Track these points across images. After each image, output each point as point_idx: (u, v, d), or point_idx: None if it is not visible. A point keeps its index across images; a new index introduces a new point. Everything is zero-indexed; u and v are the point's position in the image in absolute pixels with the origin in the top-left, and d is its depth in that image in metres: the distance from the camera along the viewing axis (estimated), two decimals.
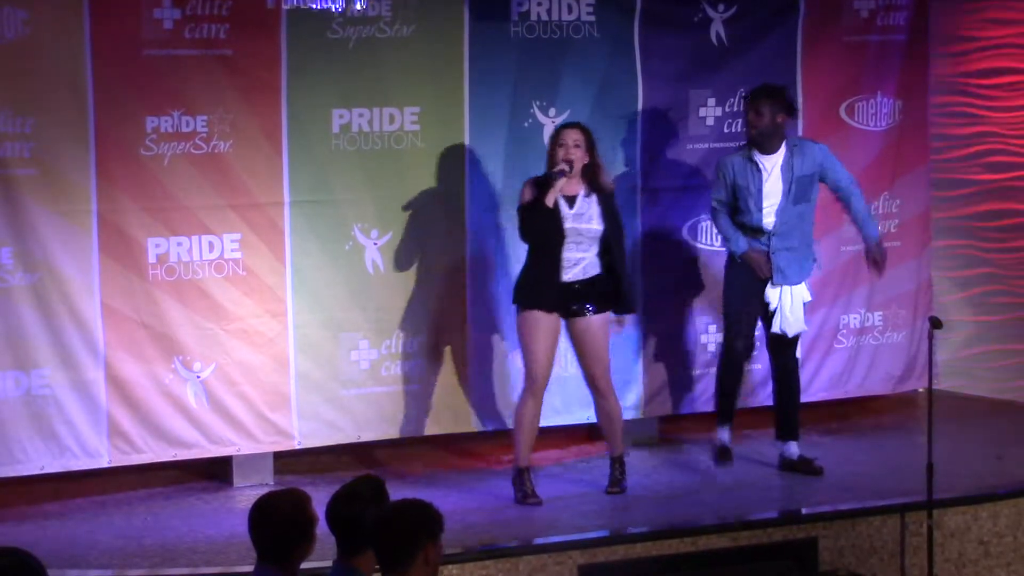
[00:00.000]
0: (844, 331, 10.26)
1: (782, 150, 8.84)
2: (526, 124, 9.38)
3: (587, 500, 8.60)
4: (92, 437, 8.48)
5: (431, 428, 9.21)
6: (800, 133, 10.00)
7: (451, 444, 9.42)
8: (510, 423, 9.34)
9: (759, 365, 9.85)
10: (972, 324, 10.92)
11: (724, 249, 9.35)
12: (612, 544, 7.80)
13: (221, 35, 8.62)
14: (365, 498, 5.33)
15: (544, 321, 8.39)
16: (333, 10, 8.63)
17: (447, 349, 9.18)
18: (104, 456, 8.53)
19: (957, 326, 10.76)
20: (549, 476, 9.03)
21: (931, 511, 7.99)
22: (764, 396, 9.95)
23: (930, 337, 8.20)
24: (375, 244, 9.06)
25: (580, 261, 8.41)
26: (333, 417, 9.00)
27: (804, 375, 10.11)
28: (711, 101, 9.75)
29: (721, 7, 9.75)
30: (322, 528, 5.29)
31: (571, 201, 8.40)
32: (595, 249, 8.43)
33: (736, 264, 8.92)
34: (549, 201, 8.32)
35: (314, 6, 8.73)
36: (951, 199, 10.85)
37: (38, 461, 8.40)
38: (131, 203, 8.51)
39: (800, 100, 10.00)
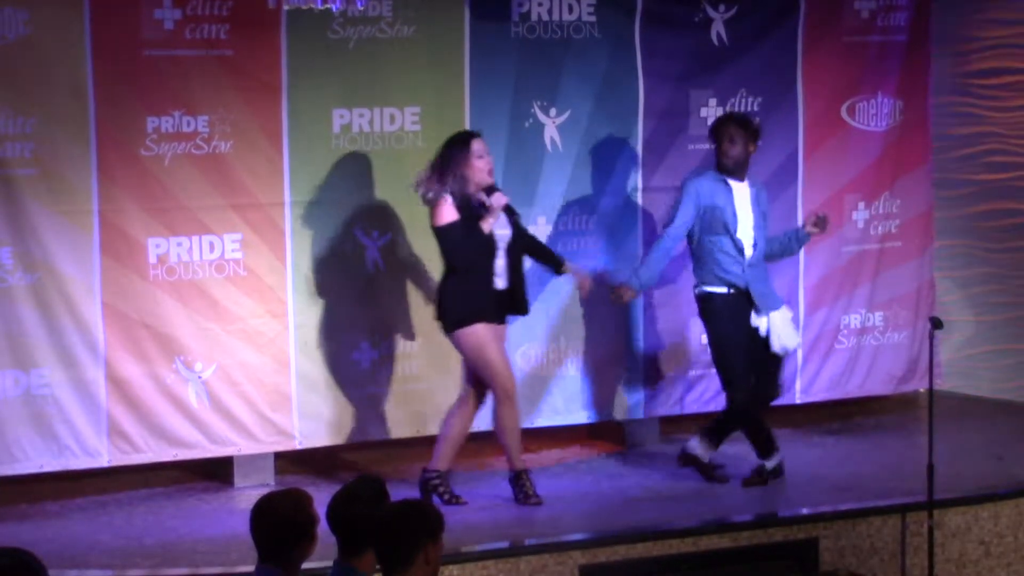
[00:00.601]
0: (845, 331, 10.25)
1: (746, 184, 8.77)
2: (527, 124, 9.38)
3: (588, 500, 8.60)
4: (92, 436, 8.48)
5: (431, 428, 9.20)
6: (801, 133, 10.02)
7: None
8: None
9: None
10: (973, 324, 10.92)
11: None
12: (613, 544, 7.79)
13: (222, 35, 8.62)
14: (365, 498, 5.33)
15: (485, 330, 8.26)
16: (333, 10, 8.62)
17: (448, 350, 9.17)
18: (104, 456, 8.53)
19: (958, 326, 10.77)
20: (550, 476, 9.03)
21: (932, 511, 7.99)
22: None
23: (931, 337, 8.20)
24: (376, 244, 9.06)
25: (505, 268, 8.32)
26: (334, 417, 9.00)
27: (805, 376, 10.14)
28: (712, 101, 9.75)
29: (722, 7, 9.75)
30: (323, 528, 5.29)
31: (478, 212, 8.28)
32: (506, 256, 8.34)
33: (717, 305, 8.68)
34: (487, 228, 8.19)
35: (316, 6, 8.72)
36: (952, 199, 10.85)
37: (37, 460, 8.40)
38: (132, 203, 8.51)
39: (801, 100, 10.01)
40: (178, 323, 8.62)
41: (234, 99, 8.67)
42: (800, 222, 9.81)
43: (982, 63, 10.80)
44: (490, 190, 8.26)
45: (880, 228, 10.28)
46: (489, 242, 8.25)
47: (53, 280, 8.36)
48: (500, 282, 8.31)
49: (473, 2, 9.18)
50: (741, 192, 8.72)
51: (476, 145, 8.25)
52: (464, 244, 8.20)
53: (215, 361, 8.72)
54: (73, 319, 8.40)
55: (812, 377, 10.16)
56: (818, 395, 10.22)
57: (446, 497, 8.35)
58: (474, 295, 8.25)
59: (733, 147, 8.68)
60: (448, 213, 8.21)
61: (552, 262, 8.64)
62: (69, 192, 8.38)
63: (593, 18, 9.47)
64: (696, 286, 8.77)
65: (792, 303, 10.05)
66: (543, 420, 9.52)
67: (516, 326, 9.30)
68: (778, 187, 9.93)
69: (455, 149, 8.25)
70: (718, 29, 9.77)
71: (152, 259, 8.58)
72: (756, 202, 8.75)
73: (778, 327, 8.73)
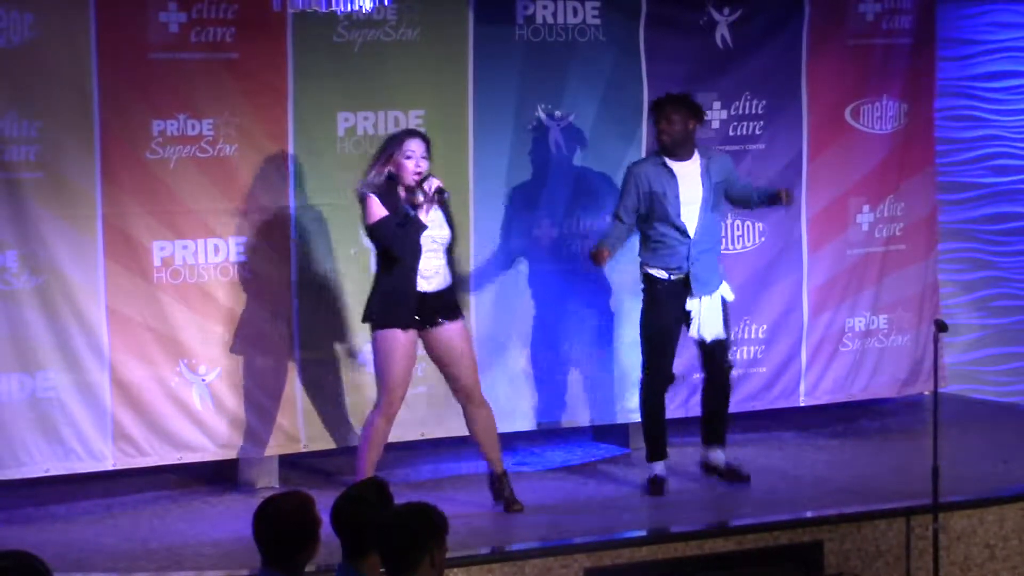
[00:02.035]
0: (849, 334, 10.25)
1: (696, 157, 8.72)
2: (530, 127, 9.39)
3: (592, 503, 8.60)
4: (97, 439, 8.48)
5: (436, 431, 9.21)
6: (805, 136, 10.02)
7: (456, 447, 9.41)
8: (514, 425, 9.35)
9: (763, 368, 9.88)
10: (977, 327, 10.92)
11: (727, 252, 9.38)
12: (617, 547, 7.79)
13: (227, 38, 8.63)
14: (370, 501, 5.33)
15: (403, 338, 8.10)
16: (338, 13, 8.63)
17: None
18: (109, 459, 8.53)
19: (962, 329, 10.76)
20: (554, 479, 9.04)
21: (937, 514, 7.98)
22: (766, 400, 9.97)
23: (936, 340, 8.19)
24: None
25: (440, 270, 8.17)
26: (339, 420, 9.00)
27: (809, 379, 10.13)
28: (716, 104, 9.75)
29: (726, 10, 9.76)
30: (327, 531, 5.29)
31: (411, 207, 8.14)
32: (446, 257, 8.23)
33: (656, 288, 8.68)
34: (424, 216, 8.02)
35: (320, 9, 8.73)
36: (956, 202, 10.85)
37: (43, 463, 8.41)
38: (136, 206, 8.52)
39: (805, 103, 10.00)
40: (182, 326, 8.63)
41: (239, 102, 8.68)
42: (803, 234, 9.84)
43: (987, 66, 10.81)
44: (424, 179, 8.12)
45: (884, 231, 10.28)
46: (415, 242, 8.06)
47: (58, 283, 8.37)
48: (430, 284, 8.15)
49: (477, 5, 9.19)
50: (686, 171, 8.67)
51: (410, 144, 8.12)
52: (396, 240, 8.04)
53: (219, 364, 8.72)
54: (78, 322, 8.41)
55: (816, 380, 10.16)
56: (822, 398, 10.21)
57: (498, 499, 8.34)
58: (396, 297, 8.09)
59: (672, 126, 8.64)
60: (377, 209, 8.07)
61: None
62: (74, 195, 8.38)
63: (597, 21, 9.47)
64: (641, 264, 8.76)
65: (797, 306, 10.06)
66: (547, 423, 9.52)
67: (519, 328, 9.32)
68: None
69: (390, 145, 8.16)
70: (722, 32, 9.78)
71: (157, 262, 8.59)
72: (706, 173, 8.70)
73: (704, 314, 8.69)
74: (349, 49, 8.92)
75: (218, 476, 8.96)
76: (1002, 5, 10.78)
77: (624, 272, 9.46)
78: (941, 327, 8.17)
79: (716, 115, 9.76)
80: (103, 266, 8.46)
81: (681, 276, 8.64)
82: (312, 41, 8.81)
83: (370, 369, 9.02)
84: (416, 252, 8.07)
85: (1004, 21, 10.76)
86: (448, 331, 8.22)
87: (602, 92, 9.51)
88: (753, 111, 9.86)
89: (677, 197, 8.61)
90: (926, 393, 10.43)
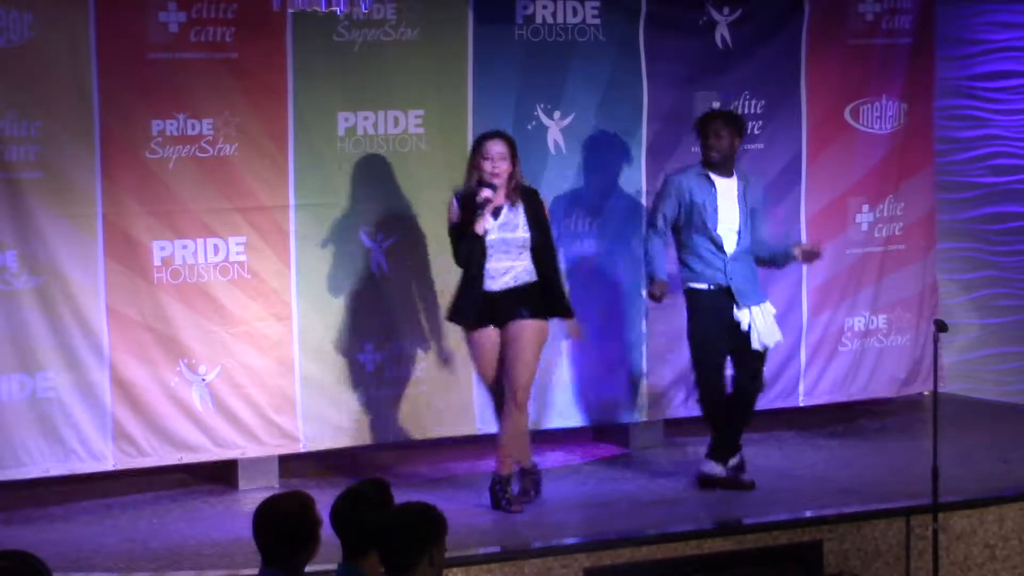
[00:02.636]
0: (849, 334, 10.25)
1: (734, 178, 8.74)
2: (530, 127, 9.39)
3: (592, 503, 8.60)
4: (97, 440, 8.48)
5: (436, 430, 9.21)
6: (805, 136, 10.02)
7: (456, 446, 9.42)
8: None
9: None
10: (977, 327, 10.92)
11: None
12: (618, 547, 7.79)
13: (227, 38, 8.63)
14: (369, 499, 5.34)
15: (475, 335, 8.33)
16: (338, 13, 8.63)
17: (452, 352, 9.17)
18: (109, 459, 8.53)
19: (962, 329, 10.76)
20: (555, 479, 9.03)
21: (936, 514, 7.99)
22: (766, 400, 9.97)
23: (935, 340, 8.19)
24: (380, 247, 9.06)
25: (510, 270, 8.26)
26: (338, 420, 9.00)
27: (809, 379, 10.13)
28: (716, 104, 9.73)
29: (726, 10, 9.76)
30: (328, 531, 5.29)
31: (495, 212, 8.24)
32: (527, 257, 8.28)
33: (698, 298, 8.68)
34: (479, 229, 8.18)
35: (320, 9, 8.73)
36: (956, 202, 10.85)
37: (43, 463, 8.41)
38: (136, 206, 8.52)
39: (805, 103, 10.01)
40: (182, 326, 8.63)
41: (239, 102, 8.68)
42: (803, 234, 9.84)
43: (986, 66, 10.81)
44: (487, 187, 8.23)
45: (884, 231, 10.28)
46: (481, 244, 8.21)
47: (58, 283, 8.37)
48: (497, 283, 8.26)
49: (477, 5, 9.19)
50: (725, 187, 8.70)
51: (488, 145, 8.25)
52: (458, 246, 8.23)
53: (219, 364, 8.73)
54: (78, 322, 8.41)
55: (816, 380, 10.16)
56: (822, 398, 10.21)
57: (503, 504, 8.34)
58: (465, 296, 8.29)
59: (720, 141, 8.67)
60: (452, 214, 8.28)
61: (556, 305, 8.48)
62: (74, 195, 8.38)
63: (597, 21, 9.47)
64: (683, 280, 8.78)
65: (796, 306, 10.07)
66: (548, 423, 9.52)
67: None
68: (782, 190, 9.93)
69: (474, 147, 8.35)
70: (722, 32, 9.78)
71: (156, 262, 8.59)
72: (743, 197, 8.73)
73: (759, 323, 8.71)
74: (349, 49, 8.92)
75: (218, 476, 8.96)
76: (1002, 5, 10.78)
77: (625, 273, 9.46)
78: (940, 327, 8.17)
79: None
80: (103, 266, 8.46)
81: (720, 287, 8.65)
82: (312, 41, 8.81)
83: (368, 368, 9.06)
84: (480, 255, 8.20)
85: (1004, 21, 10.77)
86: (513, 329, 8.30)
87: (602, 92, 9.51)
88: (753, 111, 9.86)
89: (716, 211, 8.64)
90: (925, 393, 10.44)
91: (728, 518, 8.25)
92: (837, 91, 10.10)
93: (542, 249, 8.34)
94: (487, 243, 8.21)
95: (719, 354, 8.70)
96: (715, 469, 8.79)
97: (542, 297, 8.33)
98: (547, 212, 8.50)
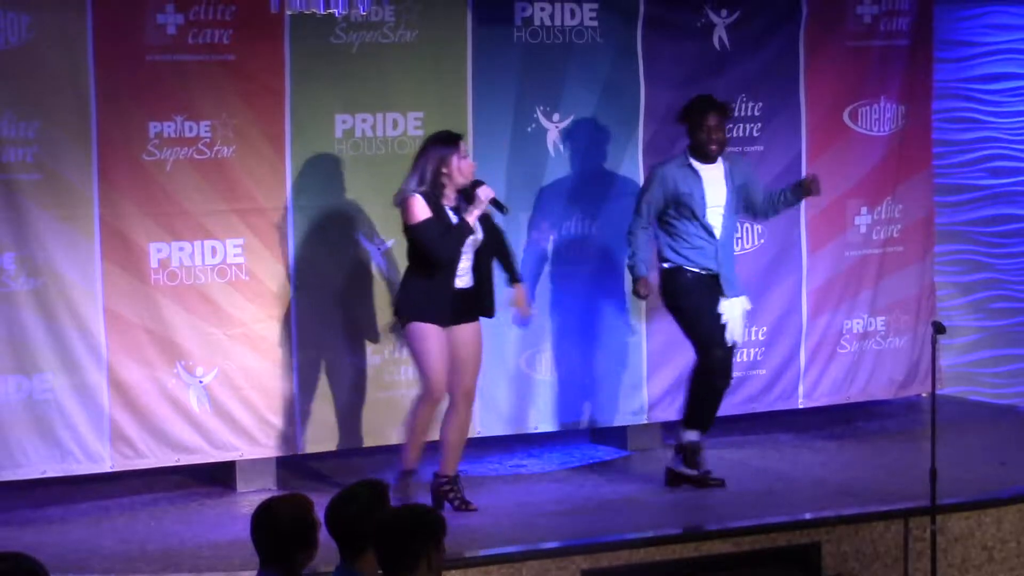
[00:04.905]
0: (847, 336, 10.24)
1: (719, 162, 8.73)
2: (529, 129, 9.39)
3: (590, 504, 8.59)
4: (94, 441, 8.48)
5: (433, 433, 9.19)
6: (803, 138, 10.02)
7: None
8: (513, 428, 9.36)
9: (763, 371, 9.91)
10: (975, 329, 10.92)
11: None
12: (615, 549, 7.79)
13: (224, 40, 8.63)
14: (364, 500, 5.33)
15: (437, 332, 8.18)
16: (336, 15, 8.63)
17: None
18: (106, 460, 8.53)
19: (960, 331, 10.77)
20: (552, 480, 9.03)
21: (935, 516, 7.99)
22: (765, 402, 9.96)
23: (933, 342, 8.19)
24: (379, 249, 9.06)
25: (467, 269, 8.26)
26: (336, 422, 9.00)
27: (807, 381, 10.13)
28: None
29: (724, 12, 9.76)
30: (326, 533, 5.29)
31: (456, 211, 8.23)
32: (472, 258, 8.29)
33: (688, 279, 8.67)
34: (472, 220, 8.14)
35: (318, 11, 8.73)
36: (954, 204, 10.85)
37: (40, 465, 8.40)
38: (134, 208, 8.51)
39: (803, 105, 10.01)
40: (180, 328, 8.62)
41: (237, 104, 8.68)
42: (802, 237, 9.85)
43: (984, 68, 10.81)
44: (475, 184, 8.21)
45: (882, 233, 10.28)
46: (460, 245, 8.18)
47: (56, 285, 8.37)
48: (461, 282, 8.24)
49: (476, 7, 9.19)
50: (712, 174, 8.69)
51: (462, 146, 8.21)
52: (442, 241, 8.14)
53: (216, 366, 8.72)
54: (75, 324, 8.40)
55: (815, 382, 10.16)
56: (820, 400, 10.21)
57: (456, 503, 8.32)
58: (433, 294, 8.19)
59: (720, 133, 8.66)
60: (422, 210, 8.15)
61: (509, 272, 8.57)
62: (71, 197, 8.38)
63: (595, 23, 9.47)
64: (664, 262, 8.74)
65: (795, 308, 10.07)
66: (545, 425, 9.52)
67: (518, 330, 9.31)
68: None
69: (437, 148, 8.20)
70: (720, 34, 9.78)
71: (154, 264, 8.58)
72: (729, 177, 8.72)
73: (735, 317, 8.71)
74: (347, 51, 8.92)
75: (215, 478, 8.95)
76: (1000, 7, 10.79)
77: (623, 274, 9.45)
78: (939, 329, 8.17)
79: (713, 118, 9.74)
80: (100, 268, 8.46)
81: (710, 272, 8.65)
82: (310, 43, 8.80)
83: (367, 371, 9.05)
84: (459, 254, 8.16)
85: (1002, 23, 10.77)
86: (466, 332, 8.29)
87: (600, 94, 9.51)
88: (751, 113, 9.86)
89: (703, 198, 8.63)
90: (924, 395, 10.44)
91: (726, 520, 8.23)
92: (835, 93, 10.10)
93: (486, 249, 8.33)
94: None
95: (714, 318, 8.65)
96: (693, 436, 8.72)
97: (477, 297, 8.32)
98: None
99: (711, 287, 8.68)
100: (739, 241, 9.85)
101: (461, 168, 8.18)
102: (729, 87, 9.77)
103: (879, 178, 10.24)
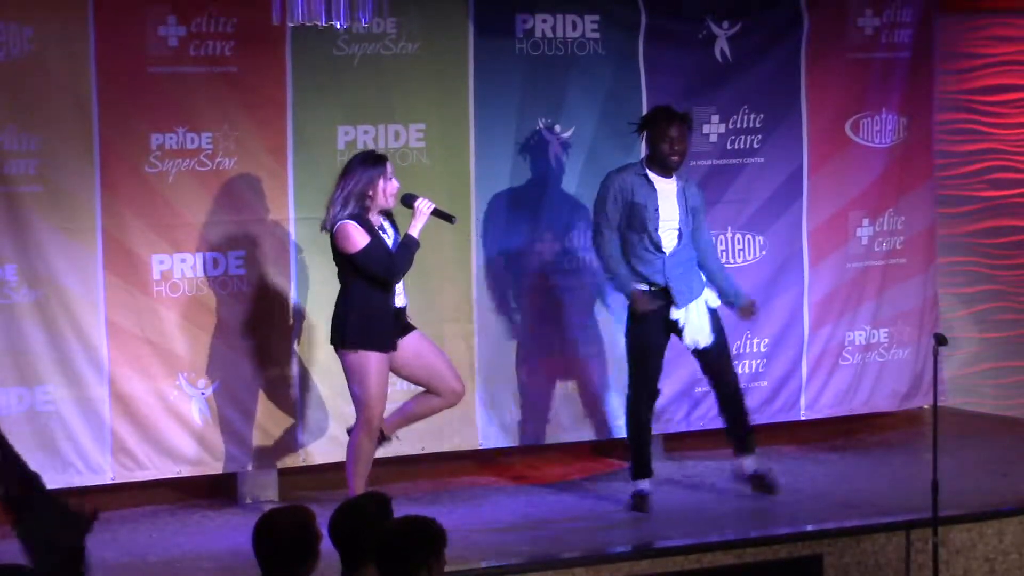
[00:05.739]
0: (850, 348, 10.24)
1: (673, 178, 8.66)
2: (531, 141, 9.40)
3: (591, 517, 8.58)
4: (96, 453, 8.48)
5: (436, 445, 9.20)
6: (805, 149, 10.02)
7: (456, 461, 9.40)
8: (517, 440, 9.36)
9: (765, 382, 9.90)
10: (977, 341, 10.92)
11: (728, 266, 9.37)
12: (616, 561, 7.78)
13: (226, 52, 8.64)
14: (368, 513, 5.34)
15: (379, 359, 8.04)
16: (338, 27, 8.64)
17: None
18: (108, 472, 8.53)
19: (962, 343, 10.76)
20: (554, 493, 9.03)
21: (936, 528, 7.98)
22: (768, 414, 9.96)
23: (935, 354, 8.19)
24: None
25: (402, 289, 8.17)
26: (338, 433, 8.98)
27: (810, 392, 10.12)
28: (715, 118, 9.76)
29: (725, 24, 9.76)
30: (328, 545, 5.28)
31: (386, 227, 8.15)
32: None
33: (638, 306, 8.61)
34: (416, 233, 8.02)
35: (320, 23, 8.74)
36: (956, 216, 10.85)
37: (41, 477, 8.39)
38: (135, 220, 8.52)
39: (805, 117, 10.01)
40: (181, 339, 8.63)
41: (238, 116, 8.69)
42: (804, 248, 9.86)
43: (986, 80, 10.82)
44: (409, 197, 8.12)
45: (884, 245, 10.28)
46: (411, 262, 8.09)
47: (57, 297, 8.37)
48: (399, 300, 8.17)
49: (477, 19, 9.20)
50: (666, 188, 8.63)
51: (389, 166, 8.08)
52: (395, 260, 8.00)
53: (218, 378, 8.72)
54: (77, 336, 8.41)
55: (817, 394, 10.15)
56: (823, 412, 10.20)
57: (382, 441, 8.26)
58: (376, 318, 8.03)
59: (683, 144, 8.59)
60: (360, 236, 7.97)
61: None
62: (73, 209, 8.39)
63: (597, 35, 9.48)
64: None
65: (797, 320, 10.06)
66: (548, 438, 9.51)
67: (520, 341, 9.31)
68: (782, 204, 9.94)
69: (364, 171, 8.01)
70: (721, 46, 9.78)
71: (156, 275, 8.59)
72: (682, 195, 8.67)
73: (691, 321, 8.65)
74: (349, 63, 8.93)
75: (217, 490, 8.94)
76: (1001, 19, 10.80)
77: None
78: (941, 341, 8.16)
79: (714, 128, 9.76)
80: (102, 279, 8.46)
81: (659, 288, 8.61)
82: (312, 55, 8.81)
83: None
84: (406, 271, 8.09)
85: (1003, 35, 10.77)
86: (413, 340, 8.22)
87: (602, 105, 9.52)
88: (751, 124, 9.86)
89: (656, 211, 8.59)
90: (925, 407, 10.43)
91: (728, 532, 8.23)
92: (837, 105, 10.10)
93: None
94: None
95: (655, 356, 8.64)
96: (749, 461, 8.79)
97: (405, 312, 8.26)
98: None
99: (661, 306, 8.58)
100: (740, 253, 9.86)
101: (386, 190, 8.04)
102: (730, 99, 9.79)
103: (881, 190, 10.25)
